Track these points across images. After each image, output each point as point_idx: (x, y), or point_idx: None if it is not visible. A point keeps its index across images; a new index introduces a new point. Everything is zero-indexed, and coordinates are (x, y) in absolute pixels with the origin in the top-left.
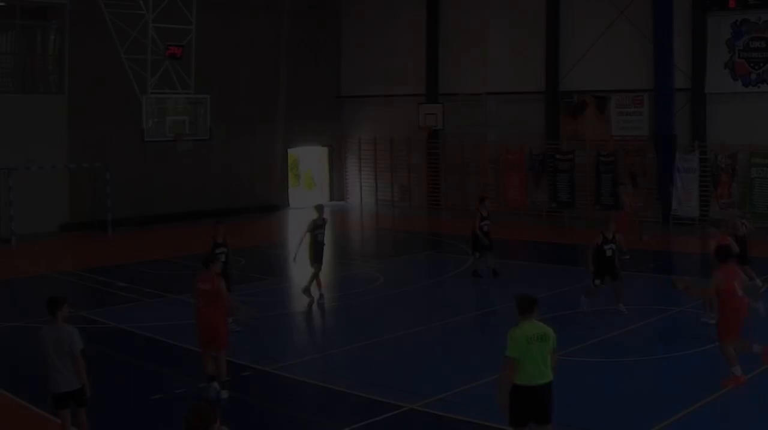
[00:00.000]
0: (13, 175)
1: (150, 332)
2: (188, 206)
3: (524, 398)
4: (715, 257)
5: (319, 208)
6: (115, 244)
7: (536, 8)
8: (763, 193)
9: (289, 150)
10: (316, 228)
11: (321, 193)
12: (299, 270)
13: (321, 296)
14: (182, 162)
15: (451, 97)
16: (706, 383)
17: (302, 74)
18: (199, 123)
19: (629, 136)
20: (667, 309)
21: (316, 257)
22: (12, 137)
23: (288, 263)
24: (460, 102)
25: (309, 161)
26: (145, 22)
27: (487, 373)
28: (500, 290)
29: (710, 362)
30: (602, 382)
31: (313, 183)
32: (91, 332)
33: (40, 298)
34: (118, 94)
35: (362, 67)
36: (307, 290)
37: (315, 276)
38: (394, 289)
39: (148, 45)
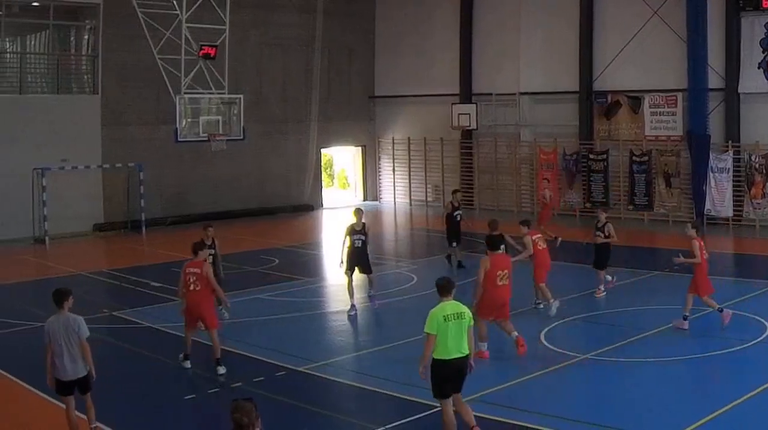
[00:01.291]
0: (46, 175)
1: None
2: (222, 206)
3: (443, 371)
4: None
5: (358, 212)
6: (149, 244)
7: (570, 8)
8: None
9: (323, 150)
10: (353, 233)
11: (355, 193)
12: (332, 271)
13: (353, 307)
14: (216, 162)
15: (485, 97)
16: (739, 383)
17: (336, 74)
18: (232, 123)
19: (663, 136)
20: (699, 309)
21: (349, 264)
22: (46, 138)
23: (321, 263)
24: (493, 102)
25: (343, 161)
26: (178, 22)
27: (522, 372)
28: (532, 291)
29: (743, 362)
30: (633, 382)
31: (346, 183)
32: (125, 331)
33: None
34: (151, 94)
35: (396, 68)
36: (351, 294)
37: (348, 284)
38: (428, 289)
39: (182, 45)
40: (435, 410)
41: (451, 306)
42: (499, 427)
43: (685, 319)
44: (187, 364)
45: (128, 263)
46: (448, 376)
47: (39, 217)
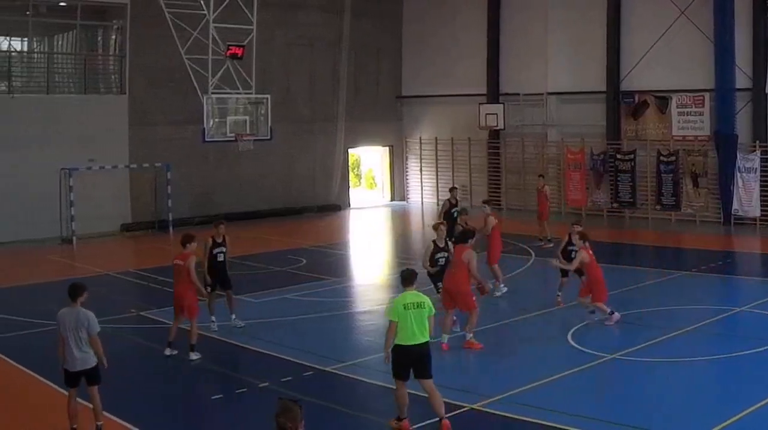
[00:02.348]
0: (74, 175)
1: (211, 331)
2: (249, 206)
3: (401, 356)
4: None
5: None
6: (176, 244)
7: (597, 8)
8: None
9: (350, 150)
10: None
11: (382, 193)
12: (360, 271)
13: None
14: (242, 162)
15: (512, 97)
16: (766, 383)
17: (363, 74)
18: (259, 123)
19: (690, 136)
20: (728, 309)
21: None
22: (73, 138)
23: (349, 264)
24: (521, 102)
25: (370, 161)
26: (205, 22)
27: (549, 372)
28: (563, 291)
29: None
30: (661, 382)
31: (374, 183)
32: (152, 331)
33: (99, 298)
34: (178, 94)
35: (423, 67)
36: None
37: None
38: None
39: (209, 45)
40: (462, 410)
41: (411, 296)
42: (527, 427)
43: (612, 313)
44: (168, 352)
45: (155, 263)
46: (408, 360)
47: (66, 217)
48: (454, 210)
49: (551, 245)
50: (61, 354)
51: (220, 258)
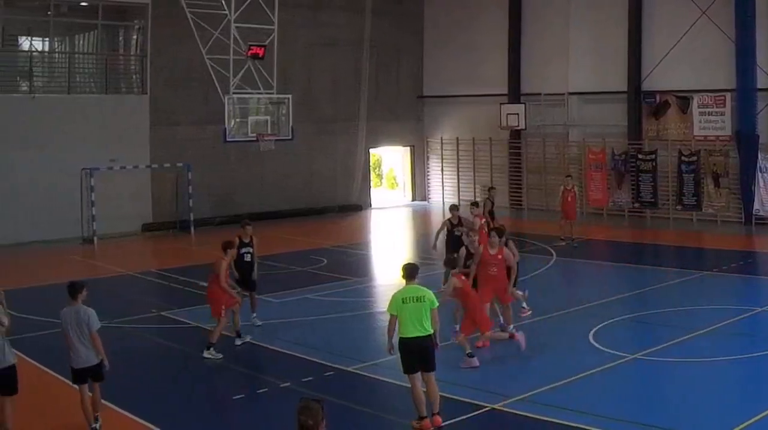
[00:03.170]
0: (95, 175)
1: (233, 332)
2: (270, 206)
3: (405, 349)
4: None
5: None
6: (197, 244)
7: (619, 8)
8: None
9: (372, 150)
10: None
11: (403, 193)
12: (380, 270)
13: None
14: (264, 162)
15: (534, 97)
16: None
17: (384, 74)
18: (281, 123)
19: (711, 136)
20: (749, 309)
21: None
22: (94, 138)
23: (370, 264)
24: (542, 102)
25: (391, 161)
26: (227, 22)
27: (571, 372)
28: (583, 290)
29: None
30: (682, 382)
31: (395, 183)
32: (174, 331)
33: (121, 299)
34: (200, 94)
35: (444, 68)
36: None
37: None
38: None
39: (230, 45)
40: (483, 410)
41: (411, 290)
42: (548, 427)
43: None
44: (206, 354)
45: (177, 263)
46: (410, 353)
47: (88, 217)
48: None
49: (575, 246)
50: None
51: (247, 258)
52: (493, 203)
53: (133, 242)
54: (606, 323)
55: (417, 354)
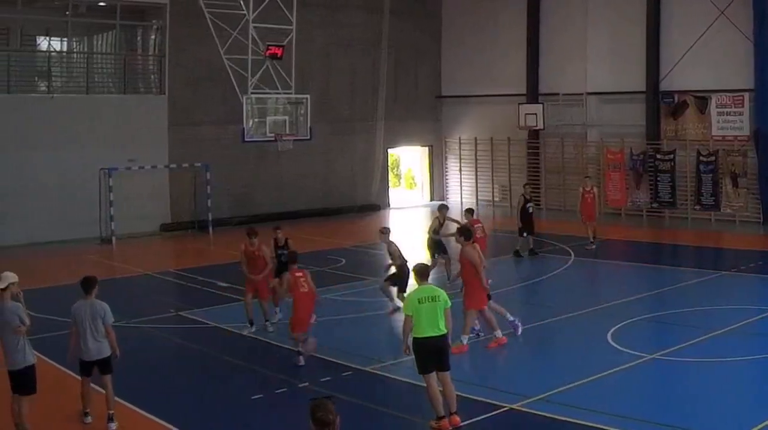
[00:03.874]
0: (113, 175)
1: (251, 332)
2: (288, 206)
3: (421, 348)
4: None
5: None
6: (216, 244)
7: (637, 8)
8: None
9: (390, 150)
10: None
11: (421, 193)
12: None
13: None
14: (282, 162)
15: (552, 97)
16: None
17: (403, 74)
18: (299, 123)
19: (730, 136)
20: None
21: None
22: (112, 138)
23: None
24: (560, 102)
25: (410, 161)
26: (245, 22)
27: (589, 372)
28: (601, 290)
29: None
30: (701, 382)
31: (413, 183)
32: (192, 331)
33: (139, 299)
34: (218, 94)
35: (462, 68)
36: None
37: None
38: (495, 289)
39: (249, 45)
40: (502, 410)
41: (426, 289)
42: (567, 427)
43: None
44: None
45: (195, 263)
46: (426, 353)
47: (106, 217)
48: (528, 205)
49: (594, 246)
50: (74, 344)
51: (284, 259)
52: (527, 200)
53: (151, 242)
54: (624, 323)
55: (433, 354)
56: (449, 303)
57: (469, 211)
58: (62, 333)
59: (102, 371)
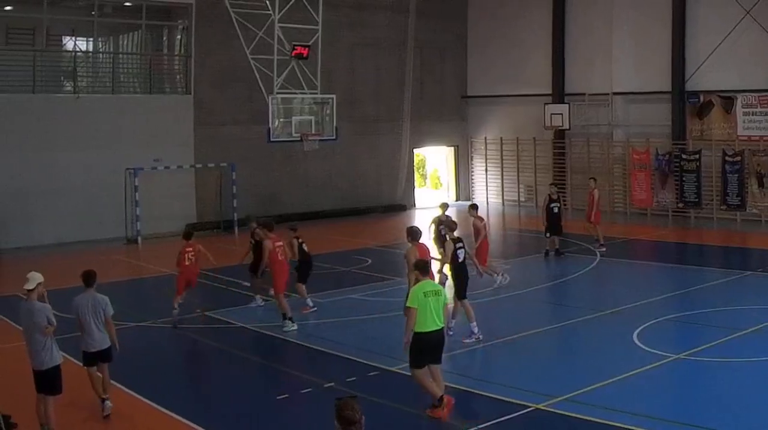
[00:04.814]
0: (139, 175)
1: (277, 332)
2: (314, 206)
3: (422, 343)
4: None
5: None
6: (241, 244)
7: (662, 8)
8: None
9: (416, 150)
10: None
11: (447, 193)
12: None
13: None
14: (308, 162)
15: (578, 97)
16: None
17: (428, 74)
18: (324, 123)
19: (755, 136)
20: None
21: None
22: (138, 138)
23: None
24: (586, 102)
25: (435, 161)
26: (271, 22)
27: (615, 373)
28: (627, 291)
29: None
30: (727, 382)
31: (439, 183)
32: (218, 331)
33: (165, 298)
34: (243, 94)
35: (488, 68)
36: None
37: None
38: (521, 289)
39: (275, 45)
40: (528, 410)
41: (430, 284)
42: (593, 427)
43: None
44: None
45: (221, 263)
46: (427, 347)
47: (131, 217)
48: (553, 205)
49: (604, 248)
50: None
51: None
52: (551, 199)
53: (177, 241)
54: (650, 323)
55: (434, 348)
56: (448, 299)
57: (473, 207)
58: None
59: (103, 360)
